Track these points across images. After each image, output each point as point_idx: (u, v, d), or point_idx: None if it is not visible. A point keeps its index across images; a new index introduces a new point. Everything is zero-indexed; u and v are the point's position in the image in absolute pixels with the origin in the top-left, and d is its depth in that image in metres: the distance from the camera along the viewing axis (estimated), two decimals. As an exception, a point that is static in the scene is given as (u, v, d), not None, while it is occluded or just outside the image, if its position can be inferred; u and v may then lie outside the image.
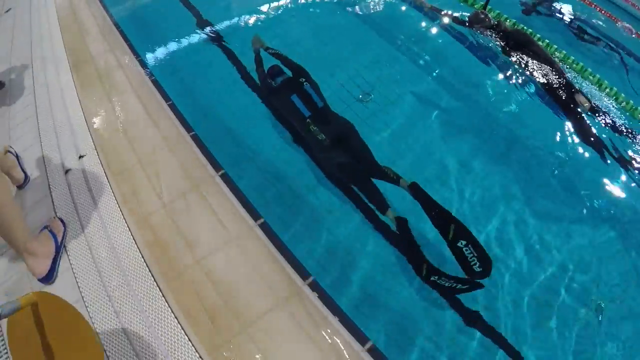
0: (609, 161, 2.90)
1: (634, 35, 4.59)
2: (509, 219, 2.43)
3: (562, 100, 3.23)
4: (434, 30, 4.02)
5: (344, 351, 1.62)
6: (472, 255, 2.09)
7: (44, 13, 3.84)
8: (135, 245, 1.91)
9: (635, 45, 4.37)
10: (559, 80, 3.34)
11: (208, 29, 3.74)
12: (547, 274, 2.24)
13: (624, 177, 2.83)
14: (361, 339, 1.68)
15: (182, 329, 1.63)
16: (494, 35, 3.75)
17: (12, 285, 1.77)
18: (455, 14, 4.09)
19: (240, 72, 3.27)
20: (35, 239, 1.77)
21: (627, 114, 3.39)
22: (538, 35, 3.97)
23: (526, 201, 2.52)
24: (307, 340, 1.64)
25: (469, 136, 2.88)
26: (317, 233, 2.28)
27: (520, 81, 3.43)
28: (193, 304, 1.71)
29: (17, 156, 2.23)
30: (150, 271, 1.81)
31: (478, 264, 2.07)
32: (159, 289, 1.76)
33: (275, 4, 4.02)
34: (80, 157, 2.32)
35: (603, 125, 3.15)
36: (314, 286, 1.82)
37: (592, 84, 3.65)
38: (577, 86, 3.34)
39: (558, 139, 3.02)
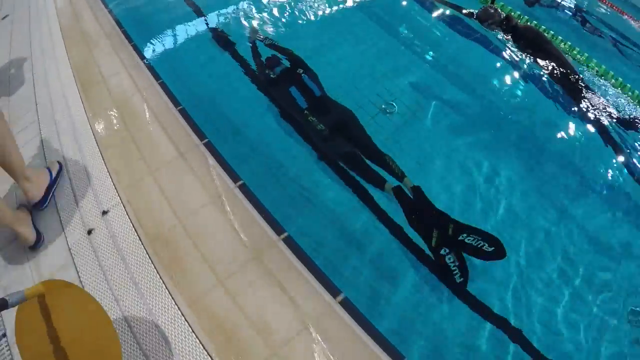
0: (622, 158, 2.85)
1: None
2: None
3: (576, 97, 3.17)
4: (446, 28, 3.85)
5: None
6: (477, 240, 2.04)
7: (44, 19, 3.54)
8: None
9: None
10: (572, 77, 3.27)
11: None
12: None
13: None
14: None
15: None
16: (504, 31, 3.65)
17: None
18: (470, 10, 3.96)
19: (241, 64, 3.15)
20: (32, 168, 2.01)
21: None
22: (551, 33, 3.92)
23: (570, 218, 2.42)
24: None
25: (490, 142, 2.77)
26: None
27: (535, 79, 3.33)
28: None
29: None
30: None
31: (486, 244, 2.02)
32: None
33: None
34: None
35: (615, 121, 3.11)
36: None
37: (597, 75, 3.64)
38: (589, 84, 3.30)
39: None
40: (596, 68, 3.68)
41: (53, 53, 2.98)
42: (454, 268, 2.04)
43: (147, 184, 2.08)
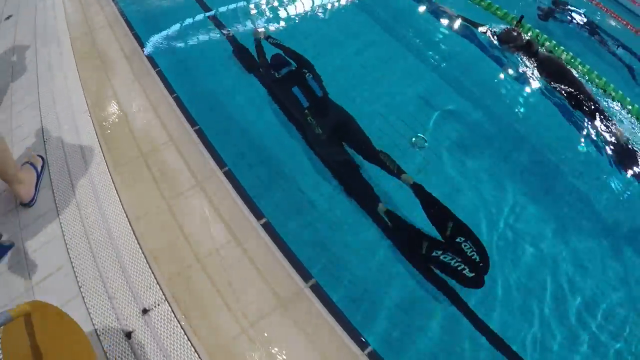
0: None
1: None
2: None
3: (599, 131, 3.08)
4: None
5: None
6: (471, 250, 2.04)
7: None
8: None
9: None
10: (595, 112, 3.16)
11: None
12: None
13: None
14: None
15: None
16: (525, 56, 3.56)
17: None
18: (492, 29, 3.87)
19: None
20: (21, 169, 2.11)
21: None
22: (579, 61, 3.80)
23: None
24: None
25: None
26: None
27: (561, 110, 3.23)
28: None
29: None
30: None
31: (478, 258, 2.02)
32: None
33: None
34: None
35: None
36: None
37: (615, 100, 3.53)
38: (613, 117, 3.20)
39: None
40: (612, 93, 3.57)
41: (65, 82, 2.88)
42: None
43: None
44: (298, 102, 2.59)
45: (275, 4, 3.89)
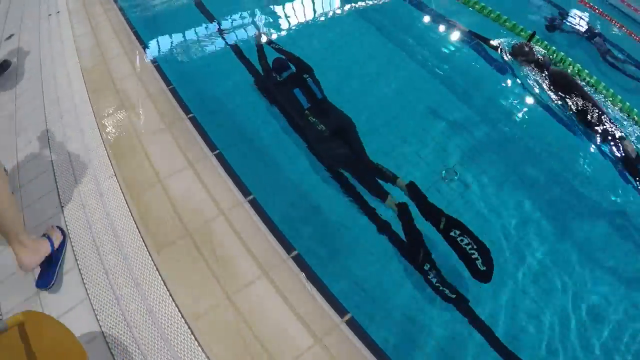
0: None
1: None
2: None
3: (610, 147, 3.03)
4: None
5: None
6: (471, 247, 2.05)
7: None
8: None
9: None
10: (605, 126, 3.10)
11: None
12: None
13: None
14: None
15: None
16: (536, 71, 3.53)
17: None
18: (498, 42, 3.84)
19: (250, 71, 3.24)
20: (31, 238, 1.72)
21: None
22: (586, 72, 3.76)
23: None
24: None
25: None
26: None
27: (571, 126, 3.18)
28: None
29: None
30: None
31: (481, 260, 2.02)
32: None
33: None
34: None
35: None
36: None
37: (622, 112, 3.47)
38: (624, 132, 3.13)
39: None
40: (620, 104, 3.52)
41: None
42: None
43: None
44: (298, 103, 2.64)
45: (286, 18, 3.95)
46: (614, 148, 3.00)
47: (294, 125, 2.80)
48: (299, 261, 1.87)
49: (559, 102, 3.28)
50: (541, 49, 3.84)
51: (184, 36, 3.59)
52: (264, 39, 3.28)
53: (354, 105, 2.80)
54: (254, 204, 2.09)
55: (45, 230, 1.88)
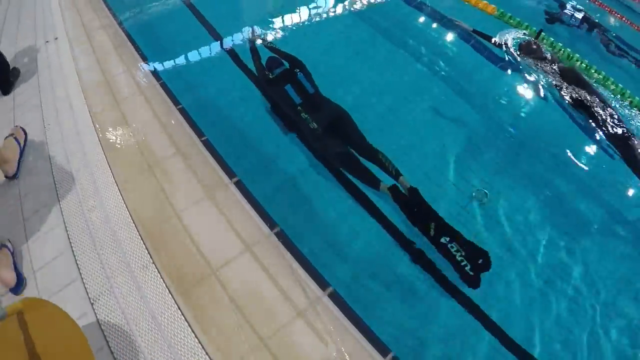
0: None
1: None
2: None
3: (617, 144, 2.98)
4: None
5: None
6: (460, 254, 2.04)
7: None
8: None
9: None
10: (614, 123, 3.06)
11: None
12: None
13: None
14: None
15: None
16: (545, 69, 3.48)
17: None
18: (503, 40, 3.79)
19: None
20: (4, 145, 2.24)
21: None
22: (595, 68, 3.70)
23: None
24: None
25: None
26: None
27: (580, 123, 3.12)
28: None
29: (12, 253, 1.96)
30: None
31: (469, 265, 2.02)
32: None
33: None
34: None
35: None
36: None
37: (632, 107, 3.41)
38: (631, 128, 3.09)
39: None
40: (630, 99, 3.46)
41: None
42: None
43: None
44: (291, 99, 2.65)
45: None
46: (622, 145, 2.94)
47: (289, 123, 2.82)
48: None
49: (570, 101, 3.22)
50: (548, 47, 3.80)
51: (186, 54, 3.53)
52: (257, 39, 3.32)
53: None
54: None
55: (12, 131, 2.38)
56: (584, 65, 3.74)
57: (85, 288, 1.79)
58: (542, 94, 3.33)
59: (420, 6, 4.32)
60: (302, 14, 4.05)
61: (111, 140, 2.48)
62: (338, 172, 2.52)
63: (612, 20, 4.95)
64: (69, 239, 1.98)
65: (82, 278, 1.83)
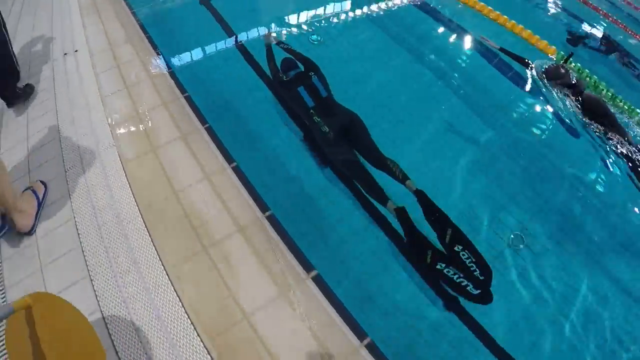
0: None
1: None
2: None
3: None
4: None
5: None
6: (470, 260, 2.03)
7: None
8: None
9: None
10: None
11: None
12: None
13: None
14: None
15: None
16: (569, 95, 3.38)
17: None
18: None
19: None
20: (21, 197, 2.02)
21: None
22: (620, 98, 3.61)
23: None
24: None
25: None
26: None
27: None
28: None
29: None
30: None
31: (478, 271, 2.00)
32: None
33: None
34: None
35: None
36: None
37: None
38: None
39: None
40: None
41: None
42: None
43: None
44: (304, 102, 2.64)
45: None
46: None
47: (300, 125, 2.80)
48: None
49: (594, 131, 3.15)
50: (575, 72, 3.72)
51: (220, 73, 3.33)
52: (273, 39, 3.31)
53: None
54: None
55: (30, 184, 2.17)
56: (609, 94, 3.66)
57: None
58: (566, 121, 3.25)
59: (447, 22, 4.27)
60: (319, 18, 4.02)
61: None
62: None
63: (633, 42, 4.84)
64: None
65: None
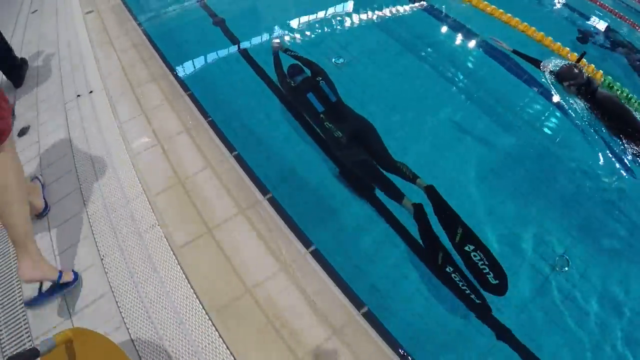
0: None
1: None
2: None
3: None
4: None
5: None
6: (482, 262, 2.03)
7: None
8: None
9: None
10: None
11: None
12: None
13: None
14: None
15: None
16: (583, 94, 3.33)
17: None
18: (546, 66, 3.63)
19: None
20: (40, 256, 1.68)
21: None
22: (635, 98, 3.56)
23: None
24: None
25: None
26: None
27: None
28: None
29: (42, 185, 2.22)
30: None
31: (492, 274, 2.01)
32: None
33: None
34: None
35: None
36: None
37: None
38: None
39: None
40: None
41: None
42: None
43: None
44: (314, 108, 2.65)
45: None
46: None
47: (310, 130, 2.80)
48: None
49: (611, 132, 3.13)
50: (589, 72, 3.69)
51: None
52: (280, 47, 3.31)
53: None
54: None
55: (62, 267, 1.88)
56: (624, 94, 3.63)
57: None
58: (581, 123, 3.22)
59: (454, 24, 4.25)
60: (325, 23, 3.99)
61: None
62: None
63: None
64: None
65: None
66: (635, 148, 3.03)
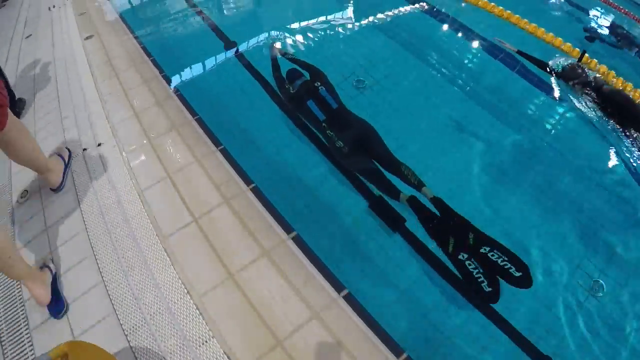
0: None
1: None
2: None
3: None
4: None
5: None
6: (502, 259, 1.98)
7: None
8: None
9: None
10: None
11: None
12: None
13: None
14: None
15: None
16: (589, 92, 3.26)
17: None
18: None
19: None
20: (50, 159, 2.29)
21: None
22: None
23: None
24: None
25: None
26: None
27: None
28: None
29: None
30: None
31: (513, 267, 1.96)
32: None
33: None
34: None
35: None
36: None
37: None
38: None
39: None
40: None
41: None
42: (478, 275, 1.99)
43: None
44: (315, 116, 2.62)
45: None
46: None
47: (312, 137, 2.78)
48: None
49: (620, 130, 3.04)
50: (593, 69, 3.60)
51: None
52: (278, 51, 3.29)
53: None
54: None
55: (57, 149, 2.41)
56: (629, 89, 3.54)
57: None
58: (590, 123, 3.14)
59: (458, 25, 4.19)
60: (323, 27, 3.95)
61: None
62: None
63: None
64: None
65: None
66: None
